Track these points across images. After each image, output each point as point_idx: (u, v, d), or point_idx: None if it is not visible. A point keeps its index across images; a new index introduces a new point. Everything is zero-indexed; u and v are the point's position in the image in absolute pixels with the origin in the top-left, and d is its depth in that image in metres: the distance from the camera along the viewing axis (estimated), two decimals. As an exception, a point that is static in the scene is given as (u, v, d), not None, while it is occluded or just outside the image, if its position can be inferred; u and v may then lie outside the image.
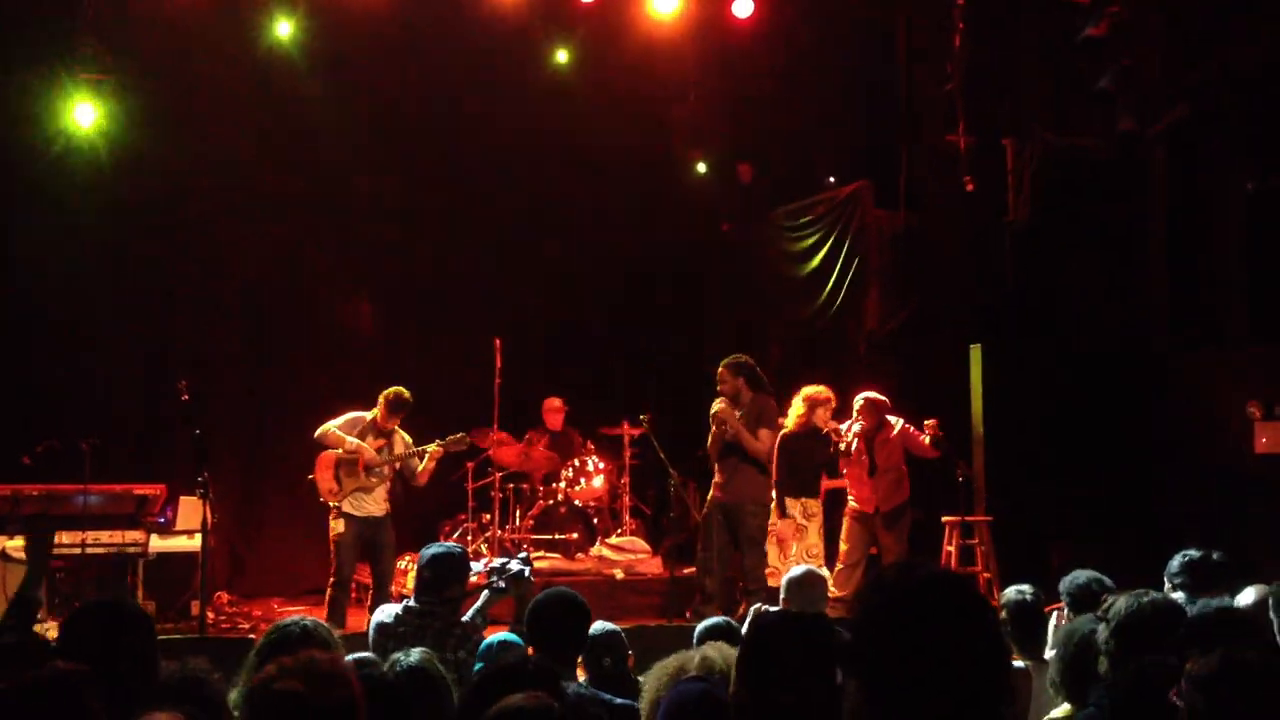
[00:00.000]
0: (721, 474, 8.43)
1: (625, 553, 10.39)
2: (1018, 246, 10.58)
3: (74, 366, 10.24)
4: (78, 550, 8.95)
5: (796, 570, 5.17)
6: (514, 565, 5.15)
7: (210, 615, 9.63)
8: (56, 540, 8.85)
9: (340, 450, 8.31)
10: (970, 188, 10.51)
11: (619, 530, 10.84)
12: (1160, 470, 9.85)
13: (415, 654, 3.79)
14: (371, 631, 5.13)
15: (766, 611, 3.47)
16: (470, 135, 11.62)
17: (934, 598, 2.10)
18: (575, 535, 10.59)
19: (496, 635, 4.46)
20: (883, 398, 9.07)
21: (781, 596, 5.12)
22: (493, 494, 10.87)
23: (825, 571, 5.47)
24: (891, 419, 9.05)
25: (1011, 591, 5.11)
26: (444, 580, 5.07)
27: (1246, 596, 4.53)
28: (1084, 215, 10.46)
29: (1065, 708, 4.09)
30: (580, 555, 10.44)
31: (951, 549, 9.17)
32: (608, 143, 11.62)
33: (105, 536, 9.14)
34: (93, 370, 10.36)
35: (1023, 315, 10.40)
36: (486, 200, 11.86)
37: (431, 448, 8.39)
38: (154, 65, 10.34)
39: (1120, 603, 3.87)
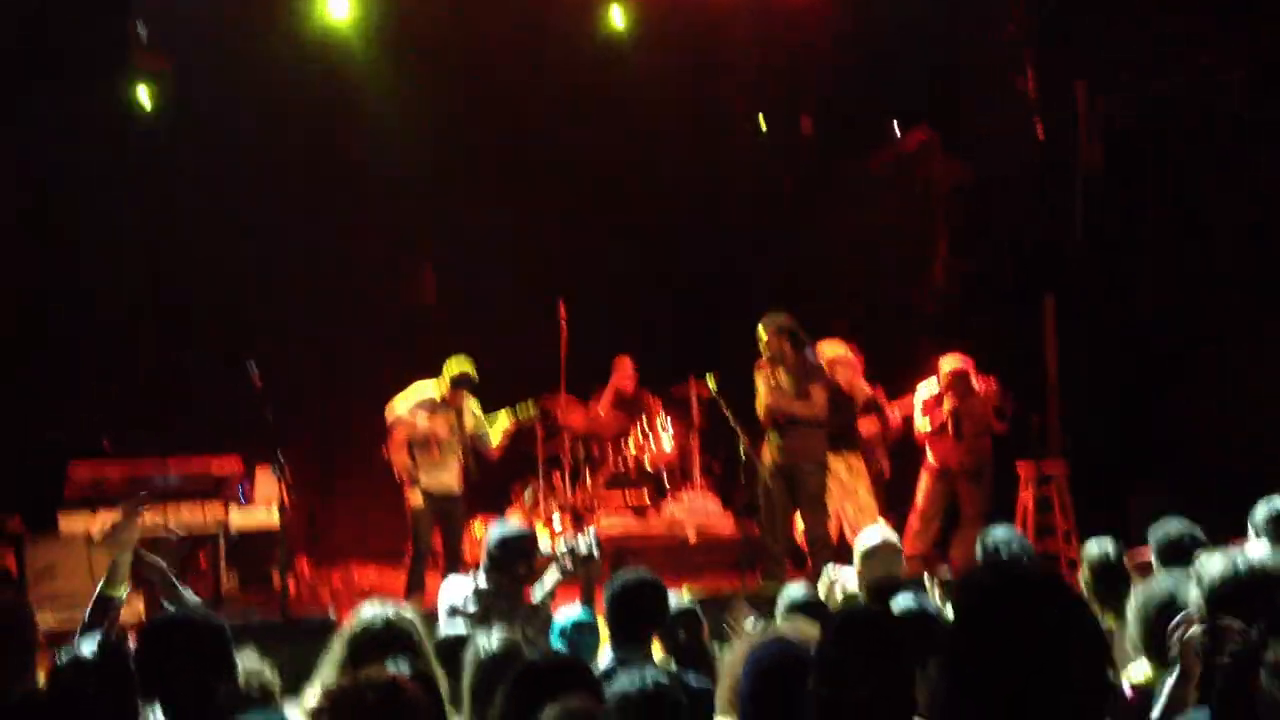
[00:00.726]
0: (777, 436, 8.32)
1: (697, 513, 10.39)
2: (1090, 195, 10.33)
3: (148, 348, 10.36)
4: (160, 530, 9.15)
5: (870, 539, 5.13)
6: (582, 547, 5.15)
7: (291, 585, 9.84)
8: (144, 520, 9.03)
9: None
10: (1041, 135, 10.27)
11: (689, 491, 10.83)
12: (1242, 417, 9.62)
13: (497, 639, 3.81)
14: (442, 612, 5.16)
15: (851, 611, 3.41)
16: (528, 97, 11.53)
17: (1032, 603, 2.06)
18: (646, 496, 10.59)
19: (570, 615, 4.47)
20: (962, 365, 8.96)
21: (856, 567, 5.09)
22: (562, 457, 10.95)
23: (890, 533, 5.38)
24: (975, 383, 8.99)
25: (1093, 546, 4.99)
26: (512, 561, 5.10)
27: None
28: (1159, 164, 10.17)
29: (1147, 668, 4.00)
30: (651, 517, 10.45)
31: (1028, 497, 9.06)
32: (666, 100, 11.48)
33: (186, 514, 9.31)
34: (166, 348, 10.47)
35: (1095, 264, 10.17)
36: (546, 162, 11.79)
37: (501, 422, 8.43)
38: (209, 43, 10.38)
39: (1214, 565, 3.72)
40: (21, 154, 10.01)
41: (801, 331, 8.52)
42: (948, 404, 8.87)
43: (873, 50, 11.33)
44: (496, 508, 10.80)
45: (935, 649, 3.93)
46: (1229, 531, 7.39)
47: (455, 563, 8.51)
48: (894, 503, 10.09)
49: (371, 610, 3.77)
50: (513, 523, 5.31)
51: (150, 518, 9.05)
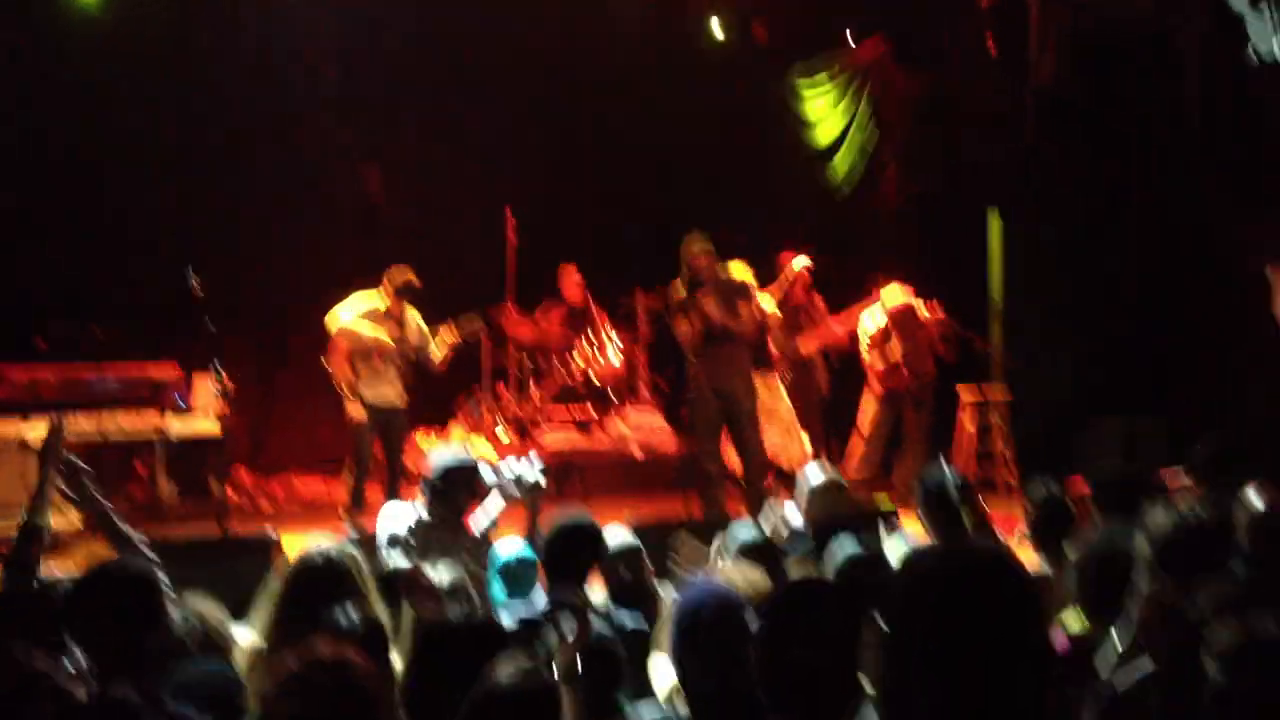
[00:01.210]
0: (707, 358, 8.28)
1: (643, 429, 10.39)
2: (1042, 113, 10.25)
3: (83, 248, 10.10)
4: (97, 437, 9.03)
5: (815, 476, 5.12)
6: (527, 473, 5.07)
7: (231, 494, 9.79)
8: (75, 424, 8.91)
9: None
10: (993, 50, 10.17)
11: (636, 405, 10.81)
12: (1190, 349, 9.68)
13: (445, 576, 3.78)
14: (382, 540, 5.10)
15: (799, 581, 3.40)
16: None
17: (975, 589, 2.04)
18: (592, 411, 10.57)
19: (512, 551, 4.43)
20: (905, 300, 8.95)
21: (801, 503, 5.08)
22: (508, 368, 10.89)
23: (834, 471, 5.36)
24: (920, 313, 8.99)
25: (1038, 486, 5.01)
26: (455, 491, 5.01)
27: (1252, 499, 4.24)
28: (1114, 86, 10.08)
29: (1082, 618, 4.01)
30: (597, 432, 10.44)
31: (970, 428, 9.13)
32: (619, 4, 11.25)
33: (123, 421, 9.20)
34: (102, 251, 10.21)
35: (1044, 183, 10.12)
36: (497, 66, 11.53)
37: (445, 335, 8.30)
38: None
39: (1161, 516, 3.71)
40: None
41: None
42: (895, 344, 8.90)
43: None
44: (440, 419, 10.77)
45: (880, 598, 3.98)
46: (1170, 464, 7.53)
47: (396, 476, 8.45)
48: (833, 423, 10.19)
49: (313, 550, 3.70)
50: (455, 451, 5.19)
51: (87, 423, 8.97)
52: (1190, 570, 3.49)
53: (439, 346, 8.34)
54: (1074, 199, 10.11)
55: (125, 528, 4.11)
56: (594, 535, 3.94)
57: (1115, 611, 3.63)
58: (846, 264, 10.41)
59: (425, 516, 5.03)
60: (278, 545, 6.35)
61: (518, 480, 5.00)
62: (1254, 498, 4.04)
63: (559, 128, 11.72)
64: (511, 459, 5.14)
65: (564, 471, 9.96)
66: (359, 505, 8.28)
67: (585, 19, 11.37)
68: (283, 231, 11.22)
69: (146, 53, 10.16)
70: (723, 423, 8.31)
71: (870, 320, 9.18)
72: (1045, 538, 4.88)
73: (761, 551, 4.43)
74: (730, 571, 3.73)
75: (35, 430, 8.44)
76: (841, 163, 11.31)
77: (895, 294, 9.01)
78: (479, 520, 5.05)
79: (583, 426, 10.49)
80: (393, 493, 8.37)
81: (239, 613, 5.44)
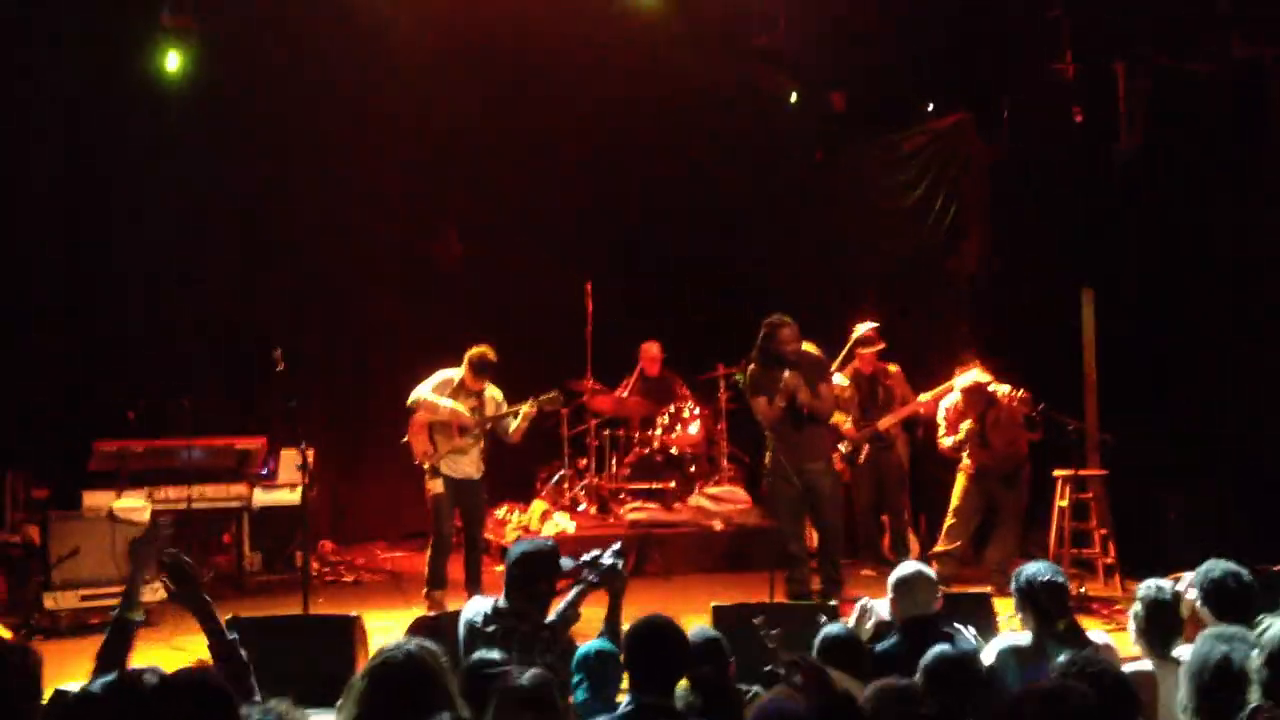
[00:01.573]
0: (789, 438, 8.19)
1: (724, 502, 10.32)
2: (1129, 180, 10.10)
3: (169, 321, 10.32)
4: (183, 505, 9.15)
5: (905, 569, 5.02)
6: (606, 559, 5.02)
7: (315, 565, 9.87)
8: (163, 495, 9.06)
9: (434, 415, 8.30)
10: (1079, 118, 10.06)
11: (716, 478, 10.74)
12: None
13: (529, 674, 3.74)
14: (461, 631, 5.07)
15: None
16: (557, 69, 11.39)
17: None
18: (672, 483, 10.53)
19: (592, 644, 4.38)
20: (980, 378, 8.82)
21: (890, 596, 4.99)
22: (588, 441, 10.90)
23: (925, 566, 5.22)
24: (997, 391, 8.85)
25: (1150, 587, 4.86)
26: (533, 578, 4.97)
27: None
28: (1200, 145, 9.92)
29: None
30: (677, 505, 10.39)
31: (1065, 504, 8.91)
32: (696, 75, 11.28)
33: (210, 491, 9.33)
34: (187, 323, 10.42)
35: (1136, 254, 9.96)
36: (574, 135, 11.69)
37: (525, 408, 8.32)
38: (234, 7, 10.25)
39: (1276, 631, 3.62)
40: (51, 120, 9.93)
41: None
42: (968, 424, 8.77)
43: (907, 25, 11.10)
44: (522, 494, 10.79)
45: (973, 700, 3.90)
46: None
47: (476, 549, 8.46)
48: (918, 497, 10.06)
49: (394, 645, 3.68)
50: (535, 539, 5.19)
51: (174, 494, 9.12)
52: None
53: (517, 421, 8.34)
54: (1162, 268, 9.95)
55: (217, 620, 4.13)
56: (678, 638, 3.87)
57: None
58: (930, 337, 10.29)
59: (503, 604, 5.00)
60: (358, 623, 6.36)
61: (595, 563, 4.97)
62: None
63: (640, 200, 11.78)
64: (595, 552, 5.10)
65: (644, 544, 9.91)
66: (439, 581, 8.29)
67: (662, 88, 11.42)
68: (364, 304, 11.40)
69: (231, 126, 10.39)
70: (805, 504, 8.24)
71: (949, 400, 9.07)
72: (1152, 638, 4.74)
73: (845, 647, 4.35)
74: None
75: (124, 503, 8.59)
76: (925, 229, 11.20)
77: (966, 376, 8.88)
78: (560, 607, 5.03)
79: (663, 499, 10.42)
80: (473, 565, 8.39)
81: (320, 691, 5.51)
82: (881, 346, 9.69)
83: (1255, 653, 3.51)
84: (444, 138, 11.44)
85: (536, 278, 11.44)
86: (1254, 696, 3.46)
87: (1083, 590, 8.46)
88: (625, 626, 3.99)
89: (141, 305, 10.30)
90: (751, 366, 8.30)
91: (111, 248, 10.24)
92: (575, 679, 4.28)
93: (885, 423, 9.63)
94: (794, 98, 11.95)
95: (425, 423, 8.34)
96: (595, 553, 5.12)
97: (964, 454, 8.93)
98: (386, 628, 7.44)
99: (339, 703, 3.85)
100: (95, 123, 10.03)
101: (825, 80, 11.88)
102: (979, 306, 10.72)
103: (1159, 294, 9.76)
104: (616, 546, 5.22)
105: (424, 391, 8.30)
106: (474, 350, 8.31)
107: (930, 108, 11.40)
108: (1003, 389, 8.88)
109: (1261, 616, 3.71)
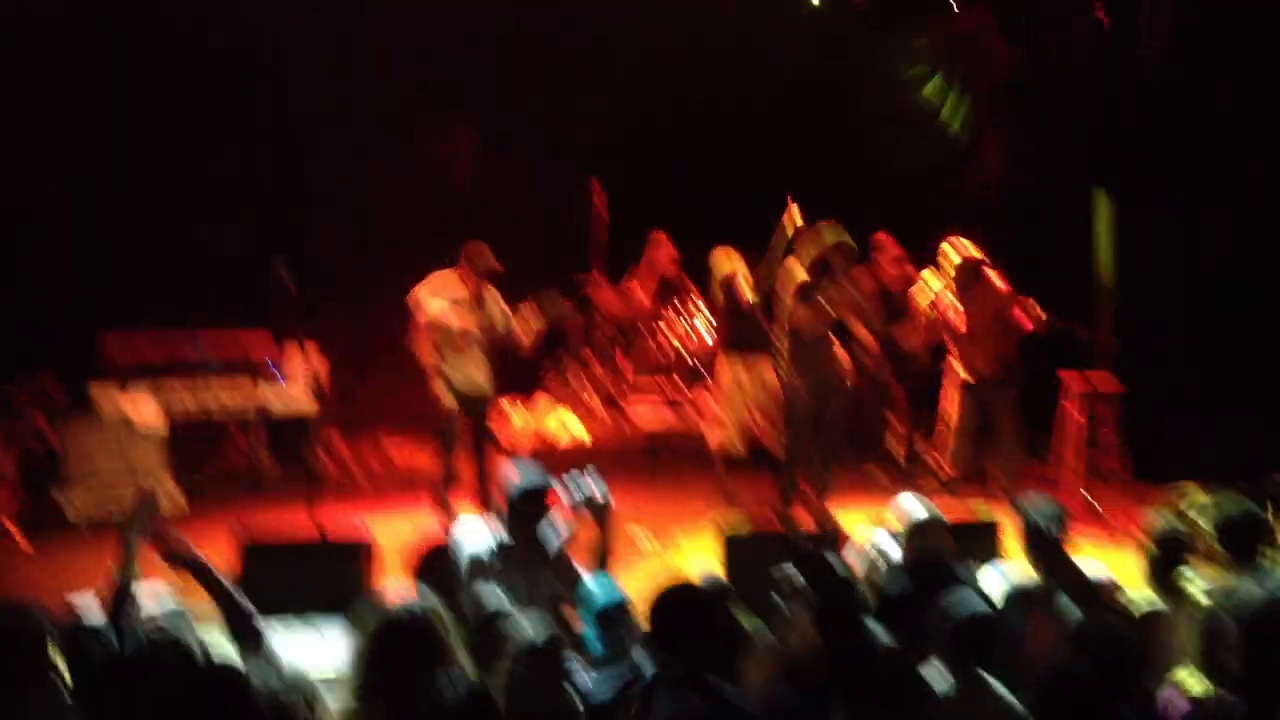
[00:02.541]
0: (816, 346, 8.17)
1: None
2: (1151, 86, 9.89)
3: (174, 224, 10.26)
4: (197, 411, 9.20)
5: (917, 513, 5.02)
6: (593, 490, 5.02)
7: (327, 462, 9.92)
8: (174, 392, 9.09)
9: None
10: (1104, 20, 9.80)
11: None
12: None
13: (541, 632, 3.78)
14: (465, 564, 5.06)
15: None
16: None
17: None
18: (682, 385, 10.48)
19: (608, 595, 4.40)
20: (971, 251, 8.67)
21: (903, 540, 5.01)
22: (595, 339, 10.87)
23: (935, 508, 5.21)
24: (992, 278, 8.72)
25: (1164, 525, 4.93)
26: (535, 513, 5.03)
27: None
28: (1225, 56, 9.69)
29: (1199, 681, 3.94)
30: (687, 409, 10.36)
31: (1079, 417, 8.82)
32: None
33: (223, 395, 9.34)
34: (194, 225, 10.35)
35: (1155, 160, 9.78)
36: (589, 33, 11.41)
37: (530, 317, 8.29)
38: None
39: (1245, 593, 3.66)
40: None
41: None
42: (954, 303, 8.64)
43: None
44: (526, 389, 10.79)
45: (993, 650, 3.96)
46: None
47: (486, 459, 8.47)
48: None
49: (397, 607, 3.72)
50: (532, 472, 5.17)
51: (188, 396, 9.15)
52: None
53: (524, 329, 8.30)
54: (1181, 179, 9.80)
55: (226, 583, 4.17)
56: (705, 607, 3.88)
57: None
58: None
59: (506, 539, 5.03)
60: (369, 550, 6.43)
61: (587, 501, 5.00)
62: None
63: (647, 95, 11.54)
64: (578, 477, 5.10)
65: (653, 452, 9.95)
66: (450, 487, 8.33)
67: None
68: (369, 199, 11.30)
69: (233, 33, 10.19)
70: (815, 411, 8.24)
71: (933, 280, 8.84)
72: (1162, 574, 4.78)
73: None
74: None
75: (136, 404, 8.64)
76: (940, 130, 11.03)
77: (954, 248, 8.69)
78: (549, 539, 5.05)
79: (673, 404, 10.40)
80: (482, 474, 8.42)
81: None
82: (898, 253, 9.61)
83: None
84: (454, 35, 11.20)
85: (543, 176, 11.31)
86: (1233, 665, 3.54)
87: (1089, 497, 8.50)
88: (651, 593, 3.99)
89: (155, 218, 10.19)
90: (802, 273, 8.18)
91: (122, 147, 10.11)
92: (591, 632, 4.31)
93: (908, 340, 9.53)
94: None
95: (428, 332, 8.26)
96: (579, 481, 5.07)
97: (954, 362, 8.84)
98: (398, 529, 7.55)
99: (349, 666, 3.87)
100: (108, 24, 9.85)
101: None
102: (996, 211, 10.60)
103: (1183, 205, 9.62)
104: (597, 477, 5.13)
105: (429, 305, 8.22)
106: (474, 253, 8.23)
107: (954, 6, 11.12)
108: (997, 280, 8.74)
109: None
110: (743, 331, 8.95)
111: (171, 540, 4.26)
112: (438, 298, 8.22)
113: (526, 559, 4.96)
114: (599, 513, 5.01)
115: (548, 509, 5.09)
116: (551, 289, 8.62)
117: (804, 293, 8.06)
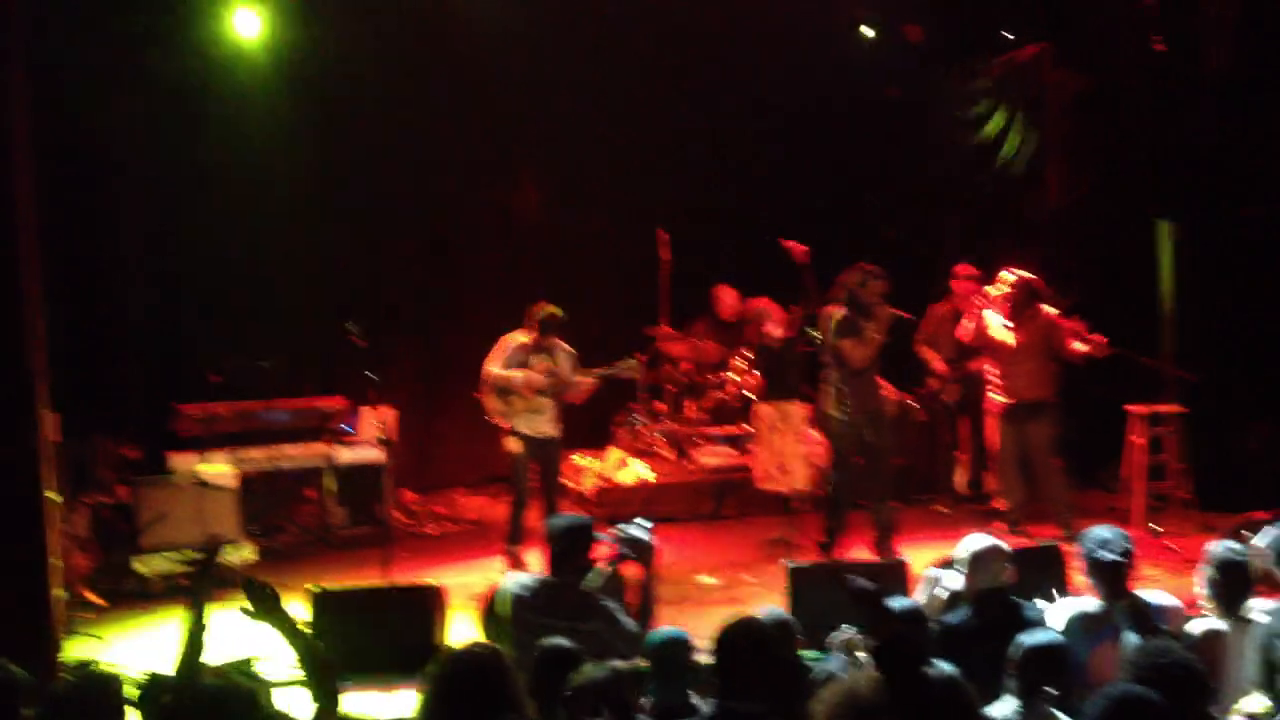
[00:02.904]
0: (862, 382, 8.14)
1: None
2: (1215, 106, 9.77)
3: (251, 286, 10.41)
4: (268, 465, 9.37)
5: (978, 543, 4.99)
6: (636, 532, 5.17)
7: (398, 516, 10.06)
8: (248, 456, 9.27)
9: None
10: (1159, 47, 9.75)
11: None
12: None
13: (601, 669, 3.80)
14: (511, 605, 5.18)
15: None
16: (628, 11, 11.26)
17: None
18: (749, 428, 10.48)
19: (666, 631, 4.42)
20: (1034, 277, 8.68)
21: (962, 570, 4.97)
22: (665, 387, 10.93)
23: (998, 540, 5.16)
24: (1045, 306, 8.70)
25: (1220, 549, 4.89)
26: (576, 551, 5.14)
27: None
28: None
29: (1265, 702, 3.90)
30: (752, 447, 10.35)
31: (1139, 440, 8.80)
32: (770, 11, 11.10)
33: (294, 451, 9.52)
34: (270, 285, 10.52)
35: (1218, 184, 9.66)
36: (647, 79, 11.54)
37: (603, 371, 8.46)
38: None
39: None
40: (130, 81, 10.00)
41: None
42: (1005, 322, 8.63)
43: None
44: (598, 441, 10.87)
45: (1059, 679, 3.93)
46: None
47: (555, 504, 8.55)
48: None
49: (463, 649, 3.76)
50: (574, 513, 5.32)
51: (259, 455, 9.33)
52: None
53: (585, 382, 8.43)
54: (1244, 198, 9.65)
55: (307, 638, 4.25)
56: (767, 643, 3.88)
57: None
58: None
59: (549, 577, 5.11)
60: (439, 594, 6.48)
61: (630, 541, 5.08)
62: None
63: (712, 143, 11.64)
64: (624, 523, 5.24)
65: (719, 490, 9.96)
66: (518, 536, 8.41)
67: (735, 25, 11.20)
68: (445, 254, 11.46)
69: (307, 87, 10.36)
70: (861, 449, 8.21)
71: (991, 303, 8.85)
72: (1224, 598, 4.71)
73: (909, 620, 4.35)
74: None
75: (210, 467, 8.80)
76: (1001, 163, 11.00)
77: (1011, 274, 8.75)
78: (591, 579, 5.13)
79: (738, 443, 10.41)
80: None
81: (403, 663, 5.64)
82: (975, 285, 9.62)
83: None
84: (520, 89, 11.36)
85: (612, 226, 11.42)
86: None
87: (1157, 528, 8.40)
88: (714, 629, 4.00)
89: (224, 268, 10.37)
90: (842, 312, 8.23)
91: (193, 210, 10.30)
92: (648, 668, 4.33)
93: (979, 364, 9.56)
94: (869, 31, 11.72)
95: (493, 383, 8.41)
96: (625, 527, 5.23)
97: (994, 391, 8.81)
98: (470, 582, 7.65)
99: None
100: (173, 83, 10.05)
101: (901, 12, 11.63)
102: (1058, 241, 10.53)
103: (1244, 227, 9.48)
104: (645, 522, 5.36)
105: (496, 368, 8.37)
106: (543, 311, 8.35)
107: (1010, 38, 11.12)
108: (1050, 308, 8.71)
109: None
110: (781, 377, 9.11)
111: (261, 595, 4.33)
112: (504, 364, 8.36)
113: (569, 595, 5.04)
114: (644, 554, 5.09)
115: (590, 548, 5.18)
116: (628, 358, 8.76)
117: (841, 327, 8.11)
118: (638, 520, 5.34)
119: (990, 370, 8.98)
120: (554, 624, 4.83)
